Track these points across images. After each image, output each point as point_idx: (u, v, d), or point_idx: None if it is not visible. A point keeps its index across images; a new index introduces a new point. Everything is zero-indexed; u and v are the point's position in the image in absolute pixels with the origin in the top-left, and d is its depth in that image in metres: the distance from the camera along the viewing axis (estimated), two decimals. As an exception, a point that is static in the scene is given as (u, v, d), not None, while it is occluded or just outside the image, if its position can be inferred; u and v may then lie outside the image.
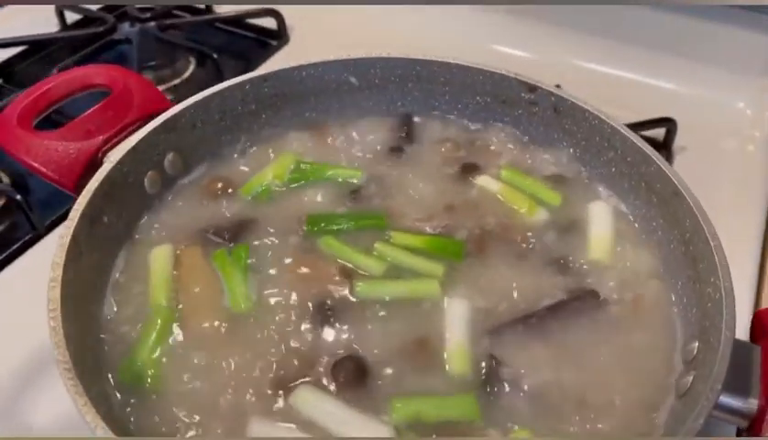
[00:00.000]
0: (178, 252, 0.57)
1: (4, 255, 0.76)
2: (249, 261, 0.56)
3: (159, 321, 0.52)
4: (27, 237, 0.78)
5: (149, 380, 0.49)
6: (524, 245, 0.58)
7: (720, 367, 0.41)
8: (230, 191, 0.63)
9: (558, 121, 0.64)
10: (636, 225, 0.60)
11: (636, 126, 0.85)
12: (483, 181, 0.64)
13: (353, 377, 0.49)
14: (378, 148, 0.68)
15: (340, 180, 0.64)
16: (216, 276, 0.55)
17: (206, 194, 0.63)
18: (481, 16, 1.08)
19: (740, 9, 0.95)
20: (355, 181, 0.64)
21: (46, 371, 0.65)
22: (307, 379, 0.49)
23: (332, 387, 0.49)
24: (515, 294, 0.55)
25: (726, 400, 0.43)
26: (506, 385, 0.49)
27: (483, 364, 0.50)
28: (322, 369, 0.49)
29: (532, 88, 0.64)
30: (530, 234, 0.59)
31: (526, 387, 0.49)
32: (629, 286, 0.55)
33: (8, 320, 0.69)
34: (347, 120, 0.69)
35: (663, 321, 0.52)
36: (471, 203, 0.62)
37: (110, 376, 0.49)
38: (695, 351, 0.48)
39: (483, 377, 0.49)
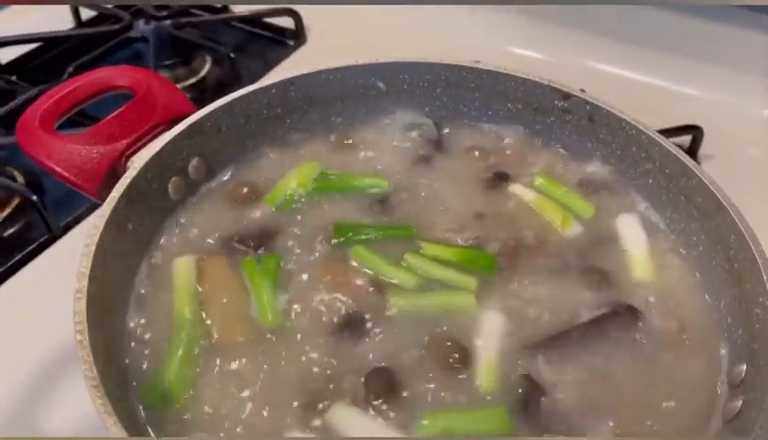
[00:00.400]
0: (200, 263, 0.56)
1: (20, 256, 0.75)
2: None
3: (185, 335, 0.50)
4: (42, 238, 0.77)
5: (176, 397, 0.47)
6: (558, 258, 0.57)
7: (774, 394, 0.40)
8: (255, 197, 0.61)
9: (593, 130, 0.63)
10: (675, 240, 0.58)
11: (660, 134, 0.83)
12: (515, 190, 0.62)
13: (385, 390, 0.48)
14: (406, 155, 0.66)
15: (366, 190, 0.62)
16: (242, 286, 0.54)
17: (230, 201, 0.61)
18: (496, 17, 1.07)
19: (765, 15, 0.93)
20: (376, 190, 0.62)
21: (60, 373, 0.64)
22: (339, 392, 0.47)
23: (363, 400, 0.47)
24: (550, 309, 0.53)
25: (778, 427, 0.41)
26: (541, 404, 0.47)
27: (517, 382, 0.48)
28: (353, 382, 0.48)
29: (566, 96, 0.63)
30: (564, 246, 0.58)
31: (562, 406, 0.48)
32: (669, 303, 0.53)
33: (24, 322, 0.68)
34: (374, 126, 0.68)
35: (707, 341, 0.51)
36: (502, 214, 0.60)
37: (135, 390, 0.48)
38: (742, 374, 0.46)
39: (517, 395, 0.48)
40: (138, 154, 0.56)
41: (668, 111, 0.91)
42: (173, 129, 0.58)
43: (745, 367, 0.46)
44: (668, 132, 0.85)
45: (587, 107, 0.62)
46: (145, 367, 0.49)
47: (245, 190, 0.61)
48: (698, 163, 0.86)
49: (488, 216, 0.60)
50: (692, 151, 0.88)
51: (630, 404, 0.48)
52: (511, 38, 1.06)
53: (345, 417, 0.46)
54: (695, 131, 0.87)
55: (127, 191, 0.53)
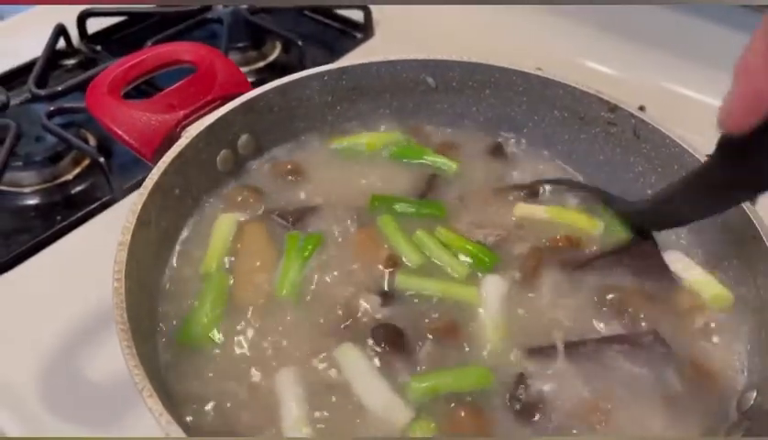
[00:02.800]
0: (241, 225, 0.59)
1: (81, 213, 0.80)
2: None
3: (211, 289, 0.54)
4: (105, 198, 0.82)
5: (199, 344, 0.51)
6: (582, 270, 0.56)
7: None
8: (298, 177, 0.64)
9: (636, 144, 0.62)
10: (706, 263, 0.57)
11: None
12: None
13: (390, 343, 0.50)
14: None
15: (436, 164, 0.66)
16: (273, 254, 0.57)
17: (274, 177, 0.64)
18: (572, 27, 1.06)
19: None
20: (446, 169, 0.65)
21: (107, 328, 0.68)
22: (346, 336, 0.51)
23: (369, 346, 0.50)
24: (564, 319, 0.53)
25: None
26: (537, 409, 0.48)
27: (511, 380, 0.49)
28: (362, 331, 0.51)
29: (613, 108, 0.62)
30: (590, 259, 0.57)
31: (552, 409, 0.48)
32: (692, 323, 0.53)
33: (77, 273, 0.72)
34: (420, 121, 0.69)
35: (724, 365, 0.50)
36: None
37: (164, 340, 0.51)
38: (751, 401, 0.45)
39: (509, 392, 0.48)
40: (193, 125, 0.60)
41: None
42: (227, 105, 0.61)
43: (755, 394, 0.45)
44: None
45: (632, 121, 0.61)
46: (175, 319, 0.53)
47: (289, 167, 0.64)
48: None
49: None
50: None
51: (633, 419, 0.48)
52: (584, 50, 1.05)
53: (349, 356, 0.50)
54: (756, 158, 0.84)
55: (178, 158, 0.57)
